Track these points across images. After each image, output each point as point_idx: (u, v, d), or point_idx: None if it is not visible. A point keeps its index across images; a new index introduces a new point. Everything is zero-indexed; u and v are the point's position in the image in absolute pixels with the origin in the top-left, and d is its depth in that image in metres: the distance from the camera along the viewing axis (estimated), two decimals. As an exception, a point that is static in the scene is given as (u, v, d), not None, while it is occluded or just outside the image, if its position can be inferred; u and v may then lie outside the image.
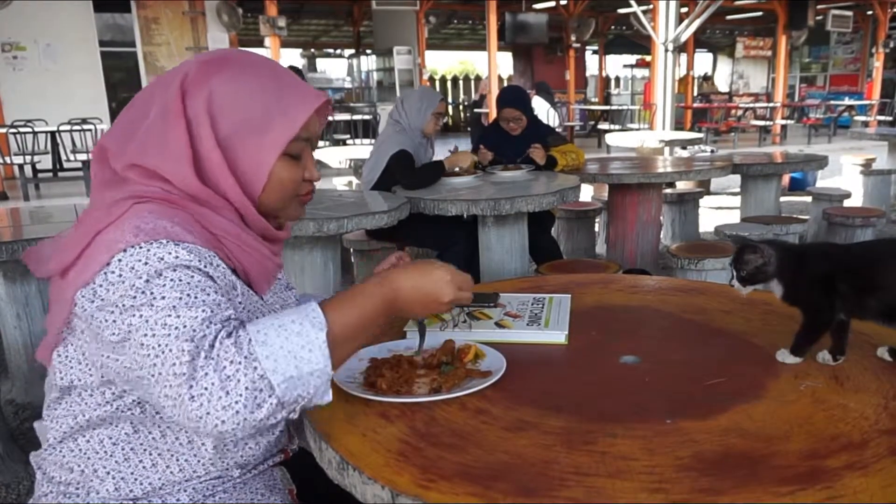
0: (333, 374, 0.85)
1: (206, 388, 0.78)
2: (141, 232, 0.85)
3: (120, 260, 0.84)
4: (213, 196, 0.95)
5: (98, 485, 0.95)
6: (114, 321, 0.83)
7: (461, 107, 19.57)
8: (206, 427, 0.78)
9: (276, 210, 1.03)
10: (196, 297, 0.84)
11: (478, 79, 21.07)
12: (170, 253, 0.85)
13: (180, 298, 0.83)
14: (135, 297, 0.82)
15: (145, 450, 0.95)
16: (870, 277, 1.04)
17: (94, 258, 0.85)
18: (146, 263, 0.83)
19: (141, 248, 0.84)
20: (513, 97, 3.85)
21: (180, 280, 0.84)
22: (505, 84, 13.54)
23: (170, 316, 0.81)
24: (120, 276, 0.83)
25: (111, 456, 0.95)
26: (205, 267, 0.88)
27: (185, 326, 0.81)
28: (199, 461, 0.97)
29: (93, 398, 0.93)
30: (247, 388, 0.78)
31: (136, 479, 0.95)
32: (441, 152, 3.75)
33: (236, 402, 0.78)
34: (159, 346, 0.80)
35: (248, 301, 0.99)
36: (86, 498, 0.95)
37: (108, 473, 0.95)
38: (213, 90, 0.95)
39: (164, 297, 0.82)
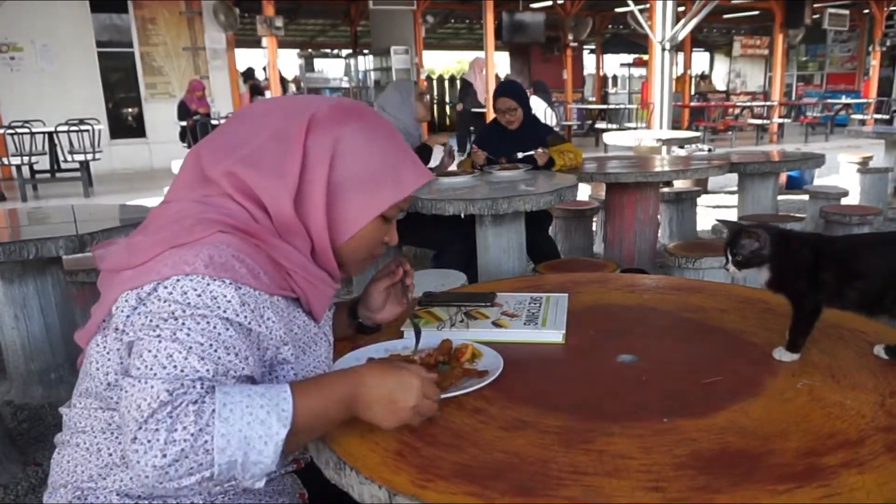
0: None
1: (148, 440, 0.76)
2: (212, 265, 0.85)
3: (178, 281, 0.84)
4: (298, 228, 0.97)
5: (122, 472, 0.95)
6: (138, 328, 0.84)
7: (459, 106, 19.54)
8: (133, 469, 0.77)
9: (348, 261, 1.06)
10: (214, 352, 0.83)
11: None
12: (225, 296, 0.85)
13: (200, 344, 0.82)
14: (165, 320, 0.83)
15: None
16: (850, 267, 1.06)
17: (156, 269, 0.86)
18: (199, 296, 0.84)
19: (203, 279, 0.85)
20: (507, 88, 3.84)
21: (214, 328, 0.84)
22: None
23: (179, 353, 0.81)
24: (171, 293, 0.84)
25: None
26: (250, 322, 0.88)
27: (180, 371, 0.80)
28: None
29: (117, 394, 0.93)
30: (186, 457, 0.76)
31: None
32: (437, 154, 3.75)
33: (169, 466, 0.76)
34: (147, 374, 0.79)
35: (305, 331, 1.03)
36: (102, 483, 0.95)
37: None
38: (342, 136, 0.98)
39: (188, 335, 0.82)
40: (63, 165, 9.32)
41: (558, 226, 4.65)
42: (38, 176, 9.11)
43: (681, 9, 9.04)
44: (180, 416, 0.77)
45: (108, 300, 0.90)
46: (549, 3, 15.02)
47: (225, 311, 0.85)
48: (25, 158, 8.34)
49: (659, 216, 4.44)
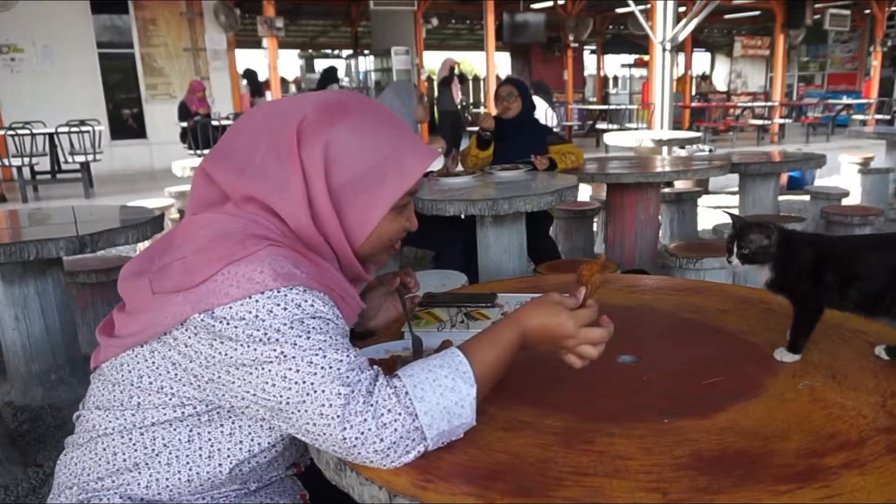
0: None
1: (361, 433, 0.81)
2: (279, 277, 0.85)
3: (257, 301, 0.84)
4: (320, 241, 0.97)
5: (131, 477, 0.95)
6: (248, 350, 0.84)
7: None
8: (353, 460, 0.84)
9: (368, 256, 1.05)
10: (339, 342, 0.87)
11: (476, 79, 21.01)
12: (306, 300, 0.86)
13: (325, 341, 0.85)
14: (277, 336, 0.83)
15: (188, 462, 0.95)
16: (851, 268, 1.06)
17: (223, 290, 0.85)
18: (285, 309, 0.84)
19: (279, 292, 0.85)
20: (511, 77, 3.91)
21: (320, 327, 0.86)
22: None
23: (316, 355, 0.84)
24: (256, 315, 0.84)
25: (156, 455, 0.95)
26: (336, 318, 0.90)
27: (331, 368, 0.83)
28: (230, 481, 0.98)
29: (163, 403, 0.93)
30: (401, 437, 0.82)
31: (167, 486, 0.95)
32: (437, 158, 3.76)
33: (388, 448, 0.82)
34: (306, 382, 0.82)
35: None
36: (110, 486, 0.95)
37: (148, 468, 0.95)
38: (331, 140, 0.95)
39: (308, 338, 0.84)
40: (64, 166, 9.33)
41: (559, 226, 4.65)
42: (38, 177, 9.12)
43: (682, 9, 9.04)
44: (380, 401, 0.83)
45: (170, 319, 0.88)
46: (550, 3, 15.03)
47: (314, 310, 0.87)
48: (26, 159, 8.35)
49: (660, 217, 4.43)
